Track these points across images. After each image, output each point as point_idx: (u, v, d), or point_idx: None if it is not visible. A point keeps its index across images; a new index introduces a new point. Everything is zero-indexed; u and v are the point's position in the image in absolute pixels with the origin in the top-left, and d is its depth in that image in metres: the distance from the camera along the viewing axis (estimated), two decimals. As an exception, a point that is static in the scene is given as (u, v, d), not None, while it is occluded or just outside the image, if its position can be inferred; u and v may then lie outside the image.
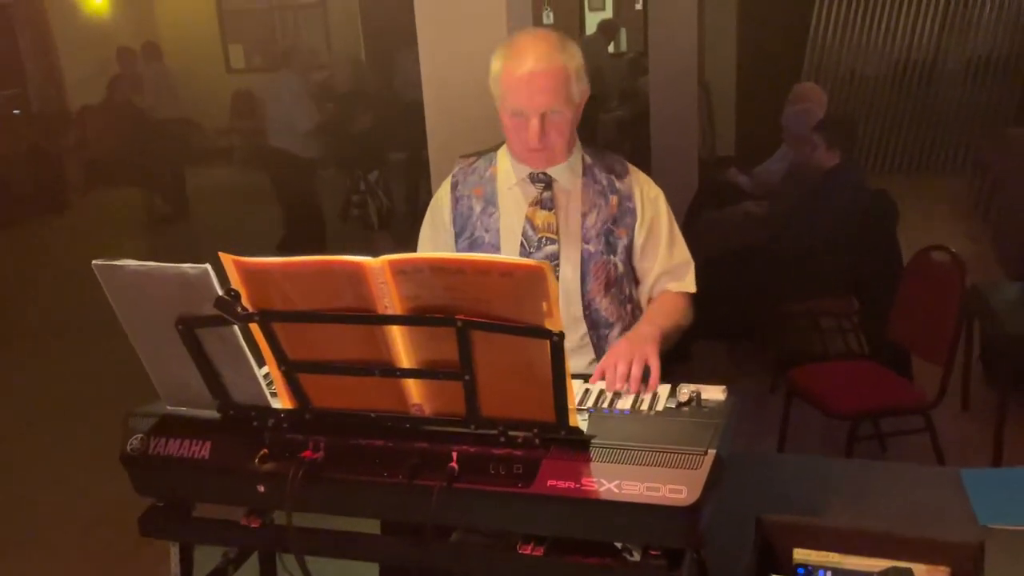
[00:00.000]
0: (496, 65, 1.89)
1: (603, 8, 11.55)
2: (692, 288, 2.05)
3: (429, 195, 2.20)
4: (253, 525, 1.58)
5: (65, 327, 5.91)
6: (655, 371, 1.67)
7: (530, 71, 1.82)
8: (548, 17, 11.55)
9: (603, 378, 1.70)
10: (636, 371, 1.66)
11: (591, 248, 1.97)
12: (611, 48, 10.30)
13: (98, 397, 4.65)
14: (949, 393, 3.10)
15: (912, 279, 3.34)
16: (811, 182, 4.17)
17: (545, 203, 1.98)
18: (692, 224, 4.66)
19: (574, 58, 1.87)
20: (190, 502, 1.66)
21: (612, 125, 8.22)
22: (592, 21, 11.02)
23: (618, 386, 1.64)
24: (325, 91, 7.87)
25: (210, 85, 10.58)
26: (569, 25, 11.63)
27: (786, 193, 4.52)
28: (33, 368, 5.39)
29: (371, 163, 7.33)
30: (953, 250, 3.17)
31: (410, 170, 7.87)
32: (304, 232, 6.51)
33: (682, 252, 2.05)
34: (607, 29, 10.02)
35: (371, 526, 1.61)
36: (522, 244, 1.97)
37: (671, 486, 1.29)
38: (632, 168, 2.05)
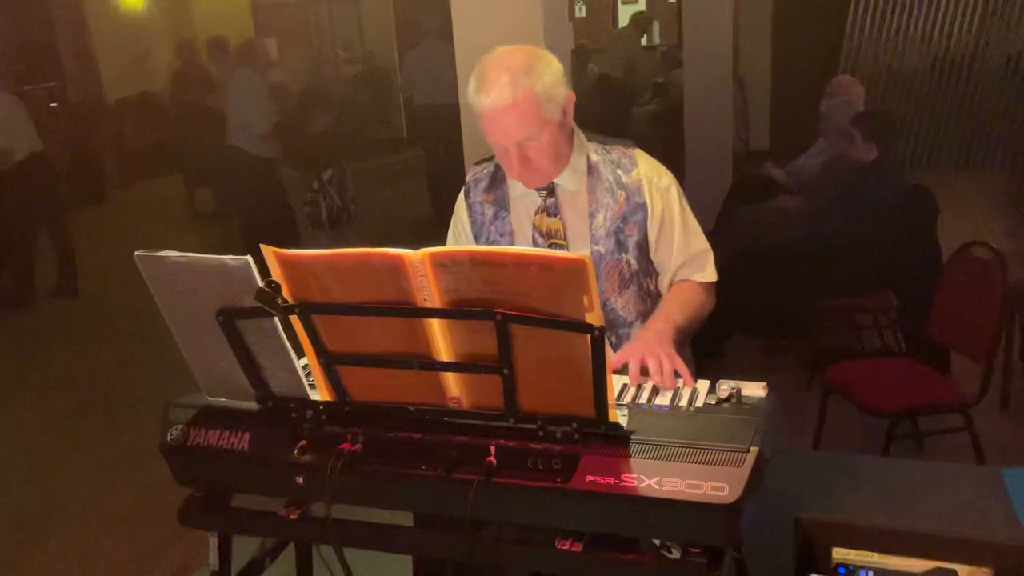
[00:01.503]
0: (470, 92, 1.85)
1: (636, 1, 11.49)
2: (713, 277, 2.01)
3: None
4: (291, 516, 1.58)
5: (103, 318, 5.99)
6: (681, 368, 1.64)
7: (492, 106, 1.78)
8: (581, 10, 11.52)
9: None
10: (667, 365, 1.63)
11: (600, 249, 1.94)
12: (644, 41, 10.25)
13: (136, 388, 4.72)
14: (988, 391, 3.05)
15: (952, 275, 3.29)
16: (849, 177, 4.12)
17: (550, 210, 1.96)
18: (727, 219, 4.61)
19: (542, 78, 1.80)
20: (229, 493, 1.67)
21: (645, 119, 8.18)
22: (625, 13, 10.97)
23: (654, 379, 1.63)
24: (281, 91, 7.79)
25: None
26: (602, 18, 11.59)
27: (823, 188, 4.46)
28: (71, 359, 5.46)
29: (327, 162, 7.25)
30: (994, 246, 3.12)
31: (426, 168, 7.86)
32: (260, 231, 6.46)
33: (699, 241, 2.01)
34: (640, 22, 9.97)
35: (403, 518, 1.61)
36: None
37: (713, 483, 1.28)
38: (641, 158, 1.99)
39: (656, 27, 11.68)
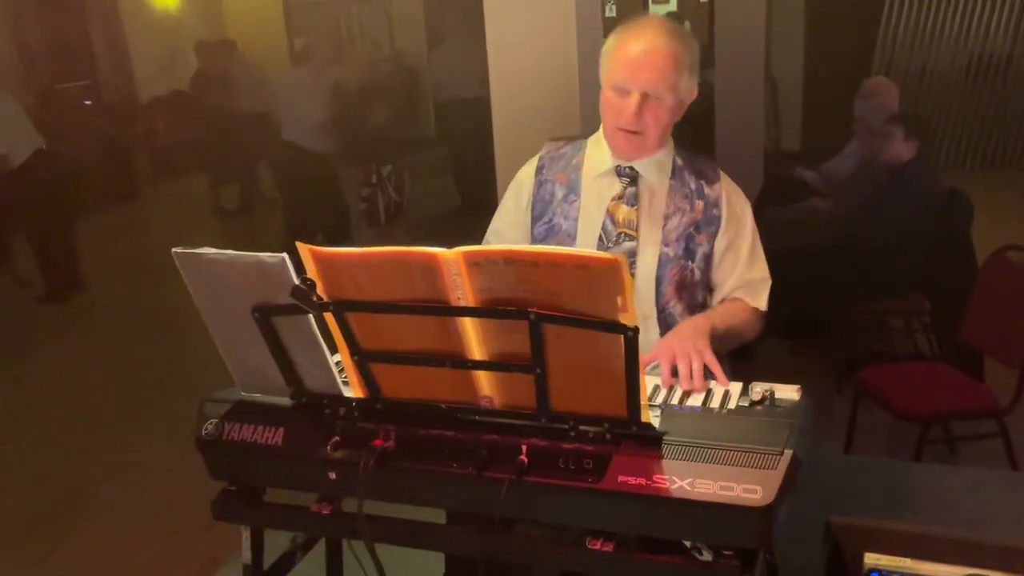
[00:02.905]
0: (611, 41, 1.90)
1: (667, 1, 11.44)
2: (763, 306, 2.01)
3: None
4: (324, 512, 1.59)
5: (131, 314, 6.06)
6: (713, 363, 1.64)
7: (643, 49, 1.83)
8: (611, 10, 11.45)
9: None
10: (697, 367, 1.63)
11: (670, 252, 1.94)
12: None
13: (165, 383, 4.77)
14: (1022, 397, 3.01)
15: (988, 279, 3.26)
16: (882, 179, 4.08)
17: (628, 199, 1.96)
18: (757, 220, 4.57)
19: (690, 51, 1.87)
20: (262, 487, 1.69)
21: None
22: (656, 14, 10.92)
23: (683, 386, 1.62)
24: (340, 86, 7.83)
25: (275, 77, 10.73)
26: (632, 17, 11.49)
27: (855, 190, 4.42)
28: (100, 354, 5.53)
29: (385, 157, 7.31)
30: (1031, 250, 3.09)
31: (454, 166, 7.89)
32: (313, 227, 6.53)
33: (761, 269, 2.01)
34: (670, 22, 9.93)
35: (434, 515, 1.62)
36: (600, 238, 1.96)
37: (746, 486, 1.27)
38: (724, 176, 2.02)
39: (687, 27, 11.61)
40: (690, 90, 1.91)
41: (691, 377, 1.62)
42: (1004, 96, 8.11)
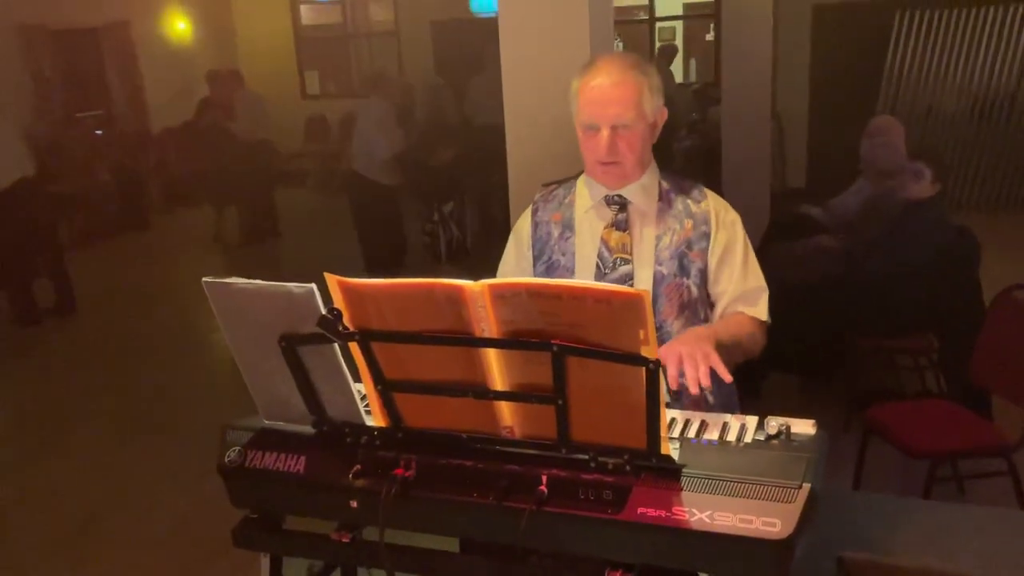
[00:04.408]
0: (574, 84, 1.99)
1: (673, 39, 11.57)
2: (764, 315, 2.04)
3: (499, 222, 2.27)
4: (343, 540, 1.61)
5: (146, 340, 6.08)
6: (718, 364, 1.66)
7: (603, 83, 1.92)
8: (618, 48, 11.56)
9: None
10: (703, 369, 1.65)
11: (664, 270, 2.00)
12: (680, 78, 10.30)
13: (177, 409, 4.78)
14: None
15: (995, 318, 3.28)
16: (891, 216, 4.11)
17: (619, 224, 2.03)
18: (764, 256, 4.59)
19: (649, 76, 1.96)
20: (283, 515, 1.70)
21: (681, 155, 8.21)
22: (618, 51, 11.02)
23: (693, 391, 1.65)
24: (409, 118, 7.92)
25: (285, 110, 10.86)
26: (638, 54, 11.60)
27: (862, 227, 4.45)
28: (113, 379, 5.54)
29: (448, 194, 7.41)
30: (1040, 290, 3.11)
31: (480, 199, 7.97)
32: (380, 259, 6.61)
33: (756, 278, 2.06)
34: (666, 53, 10.06)
35: (449, 544, 1.63)
36: (597, 266, 2.02)
37: (765, 519, 1.29)
38: (710, 194, 2.09)
39: (692, 64, 11.75)
40: (658, 111, 1.99)
41: (698, 380, 1.64)
42: (1009, 136, 8.17)
